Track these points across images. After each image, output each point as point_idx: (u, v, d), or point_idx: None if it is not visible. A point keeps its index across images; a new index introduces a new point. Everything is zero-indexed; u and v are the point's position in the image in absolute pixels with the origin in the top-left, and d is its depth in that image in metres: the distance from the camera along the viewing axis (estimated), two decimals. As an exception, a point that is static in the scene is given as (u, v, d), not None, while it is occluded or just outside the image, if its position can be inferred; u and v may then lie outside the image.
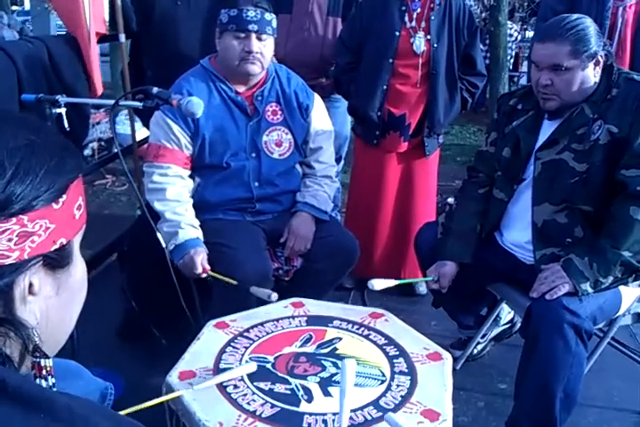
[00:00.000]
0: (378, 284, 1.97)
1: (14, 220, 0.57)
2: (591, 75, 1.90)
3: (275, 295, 1.90)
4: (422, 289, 3.04)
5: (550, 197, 1.98)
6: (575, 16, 1.90)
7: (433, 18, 2.67)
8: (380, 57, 2.69)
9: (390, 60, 2.68)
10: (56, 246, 0.62)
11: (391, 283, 2.00)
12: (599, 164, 1.88)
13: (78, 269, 0.69)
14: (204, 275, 2.08)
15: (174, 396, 1.43)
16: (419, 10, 2.67)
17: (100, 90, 2.81)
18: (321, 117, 2.39)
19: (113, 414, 0.60)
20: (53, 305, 0.65)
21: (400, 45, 2.67)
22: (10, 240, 0.57)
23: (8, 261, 0.58)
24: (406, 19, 2.67)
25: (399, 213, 2.95)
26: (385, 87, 2.72)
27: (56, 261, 0.63)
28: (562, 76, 1.88)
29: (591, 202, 1.93)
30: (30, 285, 0.61)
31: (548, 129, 2.03)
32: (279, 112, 2.29)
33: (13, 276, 0.59)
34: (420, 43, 2.66)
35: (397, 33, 2.66)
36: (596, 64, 1.90)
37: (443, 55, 2.71)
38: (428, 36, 2.67)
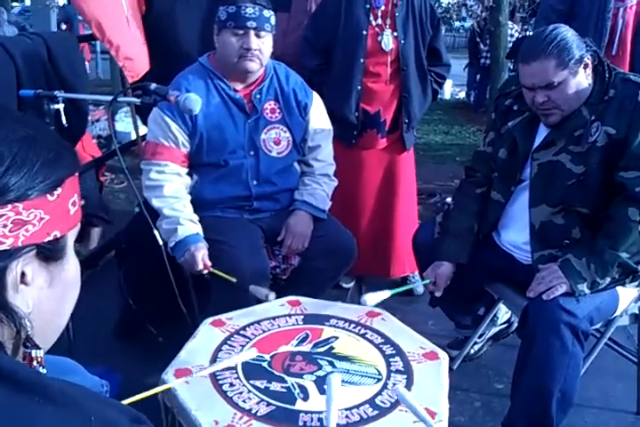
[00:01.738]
0: (371, 299, 1.89)
1: (10, 206, 0.60)
2: (583, 79, 1.90)
3: (272, 295, 1.89)
4: (419, 289, 3.03)
5: (547, 199, 1.97)
6: (550, 27, 1.90)
7: (397, 14, 2.68)
8: (351, 58, 2.69)
9: (362, 60, 2.69)
10: (50, 238, 0.64)
11: (385, 295, 1.93)
12: (596, 166, 1.88)
13: (71, 266, 0.70)
14: (206, 271, 2.07)
15: (167, 387, 1.43)
16: (383, 7, 2.68)
17: (138, 73, 2.73)
18: (319, 116, 2.38)
19: (107, 399, 0.61)
20: (46, 297, 0.66)
21: (369, 44, 2.68)
22: (5, 226, 0.59)
23: (2, 247, 0.60)
24: (371, 17, 2.67)
25: (383, 209, 2.96)
26: (359, 87, 2.72)
27: (50, 252, 0.65)
28: (556, 90, 1.88)
29: (588, 204, 1.92)
30: (23, 275, 0.62)
31: (544, 130, 2.03)
32: (277, 110, 2.28)
33: (6, 261, 0.61)
34: (387, 40, 2.67)
35: (365, 32, 2.66)
36: (585, 67, 1.90)
37: (411, 50, 2.73)
38: (395, 33, 2.68)
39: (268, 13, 2.15)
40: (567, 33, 1.88)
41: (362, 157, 2.89)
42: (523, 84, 1.95)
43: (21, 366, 0.60)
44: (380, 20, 2.67)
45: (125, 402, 1.22)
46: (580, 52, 1.87)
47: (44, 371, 0.65)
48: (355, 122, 2.78)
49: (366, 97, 2.76)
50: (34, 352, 0.65)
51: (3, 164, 0.59)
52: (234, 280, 1.97)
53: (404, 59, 2.71)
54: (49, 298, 0.67)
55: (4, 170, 0.59)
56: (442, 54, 2.87)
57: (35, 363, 0.65)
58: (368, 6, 2.67)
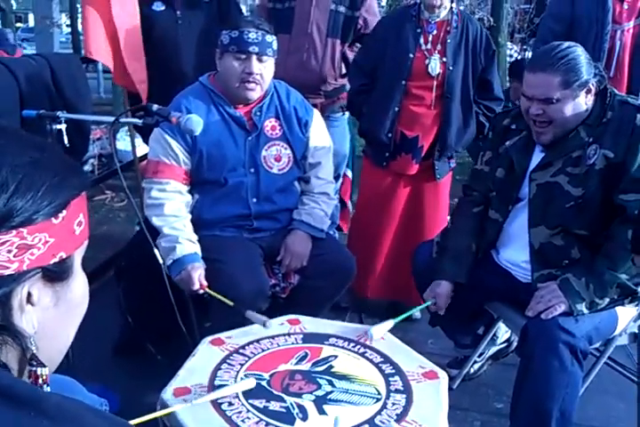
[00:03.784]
0: (377, 332, 1.83)
1: (14, 232, 0.60)
2: (582, 102, 1.91)
3: (270, 322, 1.85)
4: (417, 314, 3.02)
5: (546, 221, 1.98)
6: (566, 44, 1.91)
7: (449, 41, 2.64)
8: (394, 78, 2.67)
9: (403, 82, 2.65)
10: (55, 260, 0.64)
11: (389, 325, 1.88)
12: (594, 189, 1.88)
13: (79, 284, 0.70)
14: (202, 291, 2.08)
15: (169, 411, 1.42)
16: (435, 32, 2.64)
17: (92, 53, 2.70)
18: (320, 133, 2.40)
19: (103, 414, 0.61)
20: (51, 316, 0.66)
21: (414, 67, 2.64)
22: (9, 252, 0.59)
23: (7, 272, 0.60)
24: (421, 41, 2.64)
25: (405, 236, 2.88)
26: (397, 109, 2.68)
27: (55, 273, 0.65)
28: (553, 106, 1.89)
29: (587, 227, 1.93)
30: (29, 295, 0.63)
31: (541, 150, 2.04)
32: (278, 127, 2.30)
33: (12, 286, 0.61)
34: (435, 65, 2.63)
35: (412, 55, 2.63)
36: (588, 92, 1.90)
37: (458, 78, 2.67)
38: (444, 59, 2.64)
39: (270, 38, 2.19)
40: (581, 55, 1.89)
41: (392, 182, 2.82)
42: (522, 92, 1.96)
43: (18, 382, 0.60)
44: (429, 45, 2.64)
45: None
46: (587, 77, 1.87)
47: (49, 389, 0.65)
48: (387, 143, 2.73)
49: (406, 120, 2.71)
50: (39, 370, 0.65)
51: (7, 190, 0.59)
52: (231, 304, 1.96)
53: (450, 86, 2.66)
54: (54, 318, 0.67)
55: (8, 196, 0.59)
56: (494, 87, 2.78)
57: (40, 381, 0.65)
58: (419, 30, 2.64)
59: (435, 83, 2.65)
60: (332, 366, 1.67)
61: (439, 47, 2.65)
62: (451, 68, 2.65)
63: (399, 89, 2.67)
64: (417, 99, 2.69)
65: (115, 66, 2.75)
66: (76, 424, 0.56)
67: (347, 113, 3.21)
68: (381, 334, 1.84)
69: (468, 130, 2.78)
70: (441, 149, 2.76)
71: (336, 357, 1.71)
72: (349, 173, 3.59)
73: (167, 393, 1.50)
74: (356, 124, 3.01)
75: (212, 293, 2.04)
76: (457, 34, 2.66)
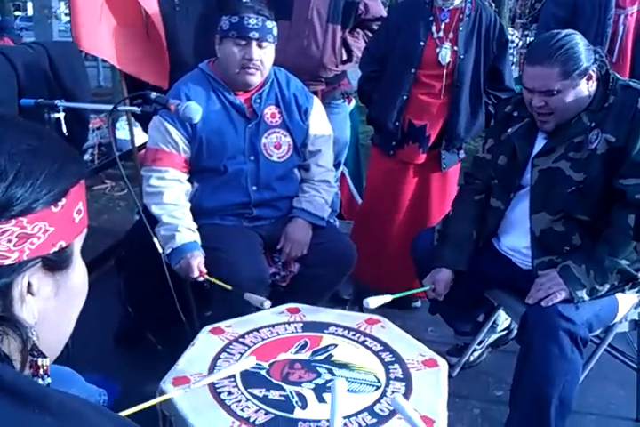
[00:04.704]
0: (373, 302, 1.90)
1: (14, 221, 0.59)
2: (584, 89, 1.89)
3: (268, 303, 1.89)
4: (417, 303, 3.01)
5: (547, 207, 1.98)
6: (563, 33, 1.89)
7: (461, 29, 2.60)
8: (403, 66, 2.64)
9: (413, 70, 2.62)
10: (55, 249, 0.63)
11: (387, 299, 1.93)
12: (596, 173, 1.88)
13: (78, 273, 0.70)
14: (201, 278, 2.08)
15: (166, 398, 1.42)
16: (447, 20, 2.60)
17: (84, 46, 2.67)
18: (320, 120, 2.39)
19: (105, 411, 0.61)
20: (52, 306, 0.66)
21: (425, 55, 2.61)
22: (9, 241, 0.59)
23: (7, 262, 0.59)
24: (433, 29, 2.61)
25: (412, 225, 2.85)
26: (405, 97, 2.66)
27: (55, 263, 0.64)
28: (554, 97, 1.88)
29: (588, 212, 1.92)
30: (29, 285, 0.62)
31: (543, 136, 2.03)
32: (278, 114, 2.29)
33: (12, 276, 0.60)
34: (445, 53, 2.59)
35: (422, 43, 2.60)
36: (589, 79, 1.89)
37: (469, 67, 2.63)
38: (455, 47, 2.60)
39: (270, 24, 2.17)
40: (579, 42, 1.87)
41: (398, 171, 2.80)
42: (523, 84, 1.95)
43: (21, 377, 0.60)
44: (441, 33, 2.60)
45: (125, 413, 1.22)
46: (587, 64, 1.86)
47: (49, 380, 0.65)
48: (393, 131, 2.71)
49: (415, 109, 2.68)
50: (40, 360, 0.65)
51: (6, 179, 0.59)
52: (229, 288, 1.97)
53: (460, 75, 2.62)
54: (55, 308, 0.66)
55: (7, 185, 0.59)
56: (504, 77, 2.73)
57: (41, 371, 0.65)
58: (431, 18, 2.61)
59: (445, 71, 2.62)
60: (331, 355, 1.67)
61: (451, 35, 2.61)
62: (462, 56, 2.61)
63: (408, 77, 2.64)
64: (426, 87, 2.66)
65: (130, 55, 2.74)
66: (78, 421, 0.56)
67: (352, 101, 3.19)
68: (376, 304, 1.90)
69: (476, 120, 2.75)
70: (449, 139, 2.74)
71: (336, 345, 1.71)
72: (346, 171, 3.50)
73: (167, 382, 1.50)
74: (364, 111, 2.99)
75: (211, 279, 2.04)
76: (469, 22, 2.61)
